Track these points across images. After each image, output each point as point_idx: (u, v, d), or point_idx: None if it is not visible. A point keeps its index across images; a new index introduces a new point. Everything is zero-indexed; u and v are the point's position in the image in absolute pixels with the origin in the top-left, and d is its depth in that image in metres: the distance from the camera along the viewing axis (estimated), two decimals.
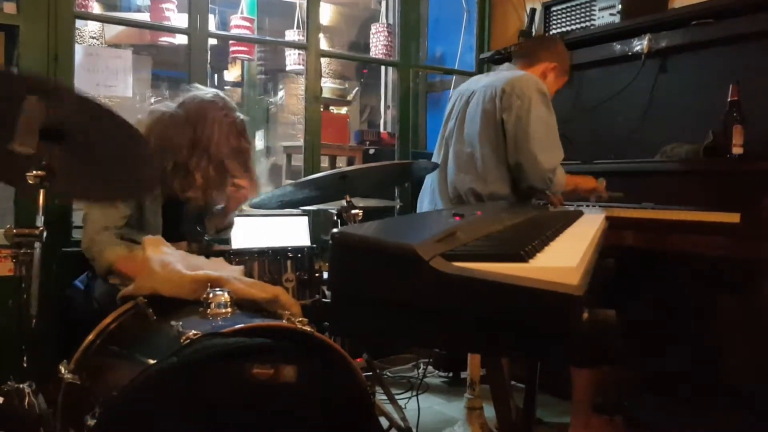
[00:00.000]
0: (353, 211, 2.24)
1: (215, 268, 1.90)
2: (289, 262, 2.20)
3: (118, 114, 1.64)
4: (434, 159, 2.63)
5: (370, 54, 4.19)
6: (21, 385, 1.60)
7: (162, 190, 2.19)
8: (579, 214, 1.95)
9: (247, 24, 4.45)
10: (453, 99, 2.64)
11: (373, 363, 2.43)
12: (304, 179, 2.26)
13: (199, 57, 2.97)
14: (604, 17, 2.95)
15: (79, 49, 2.85)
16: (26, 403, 1.58)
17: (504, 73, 2.51)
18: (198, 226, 2.39)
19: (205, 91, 2.27)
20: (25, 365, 1.65)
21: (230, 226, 2.47)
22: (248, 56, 5.13)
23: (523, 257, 0.87)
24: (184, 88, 2.31)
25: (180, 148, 2.13)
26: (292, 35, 4.81)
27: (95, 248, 2.10)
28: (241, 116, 2.27)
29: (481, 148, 2.38)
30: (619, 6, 2.87)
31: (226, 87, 6.22)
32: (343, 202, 2.26)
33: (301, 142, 3.49)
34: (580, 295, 0.74)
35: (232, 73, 6.19)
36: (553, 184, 2.31)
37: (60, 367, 1.71)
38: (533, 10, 3.43)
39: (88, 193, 2.03)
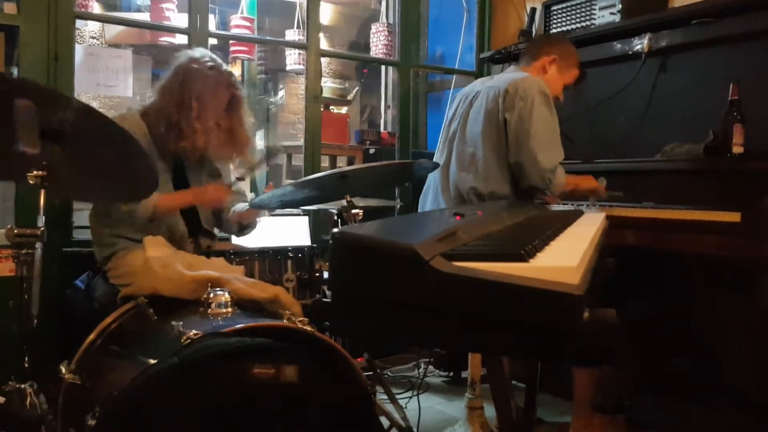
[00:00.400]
0: (353, 211, 2.24)
1: (216, 268, 1.91)
2: (289, 262, 2.20)
3: (108, 116, 1.66)
4: (436, 159, 2.63)
5: (371, 54, 4.18)
6: (22, 385, 1.60)
7: (164, 158, 2.22)
8: (579, 214, 1.95)
9: (247, 24, 4.44)
10: (456, 101, 2.65)
11: (373, 362, 2.43)
12: (304, 179, 2.26)
13: None
14: (605, 16, 2.94)
15: (79, 49, 2.85)
16: (27, 403, 1.59)
17: (508, 75, 2.54)
18: (215, 226, 2.39)
19: (191, 51, 2.32)
20: (26, 365, 1.65)
21: (254, 224, 2.47)
22: (248, 56, 5.12)
23: (524, 257, 0.87)
24: (175, 56, 2.33)
25: (169, 108, 2.16)
26: (292, 35, 4.80)
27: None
28: (229, 69, 2.30)
29: (483, 148, 2.39)
30: (620, 5, 2.87)
31: None
32: (344, 202, 2.26)
33: (301, 142, 3.49)
34: (581, 295, 0.74)
35: None
36: (552, 184, 2.31)
37: (61, 367, 1.71)
38: (533, 10, 3.43)
39: (88, 194, 2.04)
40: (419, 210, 2.77)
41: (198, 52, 2.29)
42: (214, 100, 2.20)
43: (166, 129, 2.16)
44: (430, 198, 2.65)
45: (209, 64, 2.22)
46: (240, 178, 2.47)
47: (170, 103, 2.18)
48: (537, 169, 2.30)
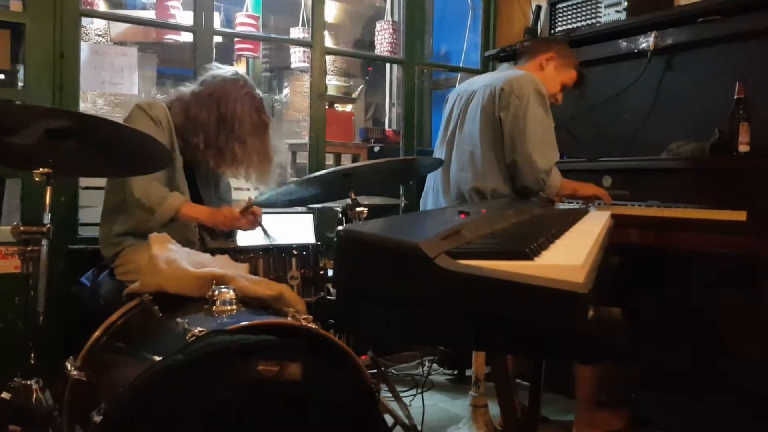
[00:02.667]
0: (358, 209, 2.24)
1: (220, 265, 1.91)
2: (293, 260, 2.20)
3: (109, 119, 1.68)
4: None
5: (375, 51, 4.18)
6: (28, 382, 1.61)
7: (181, 153, 2.26)
8: (584, 212, 1.95)
9: (252, 21, 4.44)
10: (452, 100, 2.65)
11: (377, 360, 2.43)
12: (308, 176, 2.27)
13: (204, 55, 2.97)
14: (610, 14, 2.94)
15: (84, 47, 2.85)
16: (33, 400, 1.59)
17: (503, 73, 2.53)
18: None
19: (225, 70, 2.36)
20: (32, 362, 1.66)
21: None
22: (253, 54, 5.12)
23: (529, 255, 0.86)
24: (204, 68, 2.40)
25: (207, 125, 2.22)
26: (297, 33, 4.80)
27: (153, 197, 2.10)
28: (260, 93, 2.36)
29: (480, 146, 2.39)
30: (625, 3, 2.86)
31: None
32: (348, 200, 2.26)
33: (305, 140, 3.49)
34: (586, 293, 0.74)
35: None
36: (546, 185, 2.31)
37: (66, 363, 1.71)
38: (539, 8, 3.42)
39: (99, 171, 2.08)
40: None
41: (231, 71, 2.34)
42: (251, 126, 2.27)
43: (204, 145, 2.23)
44: (431, 199, 2.65)
45: (245, 89, 2.29)
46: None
47: (206, 117, 2.23)
48: (532, 170, 2.30)
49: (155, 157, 1.89)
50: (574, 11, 3.11)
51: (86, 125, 1.67)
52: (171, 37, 4.40)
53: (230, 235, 2.39)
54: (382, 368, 2.46)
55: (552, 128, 2.37)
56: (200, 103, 2.25)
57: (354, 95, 5.36)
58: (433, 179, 2.65)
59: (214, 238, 2.37)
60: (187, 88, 2.32)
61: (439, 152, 2.63)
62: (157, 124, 2.16)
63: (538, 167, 2.29)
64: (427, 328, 0.84)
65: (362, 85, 5.88)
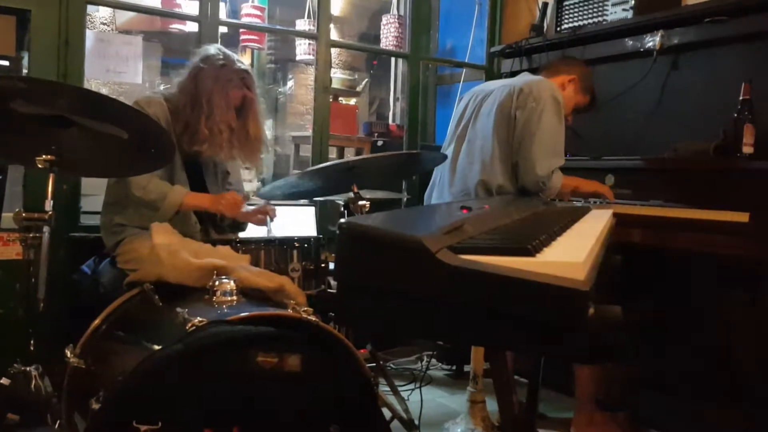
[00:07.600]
0: (360, 203, 2.24)
1: (222, 256, 1.91)
2: (295, 252, 2.20)
3: (112, 97, 1.67)
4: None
5: (381, 45, 4.17)
6: (28, 368, 1.62)
7: (180, 150, 2.22)
8: (586, 210, 1.95)
9: (258, 13, 4.44)
10: (466, 99, 2.65)
11: (376, 354, 2.43)
12: (311, 168, 2.26)
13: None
14: (617, 13, 2.93)
15: (90, 35, 2.84)
16: (32, 386, 1.60)
17: (525, 77, 2.56)
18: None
19: (208, 47, 2.29)
20: (31, 348, 1.66)
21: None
22: (258, 45, 5.12)
23: (530, 251, 0.86)
24: (194, 52, 2.34)
25: (185, 107, 2.17)
26: (302, 25, 4.80)
27: (153, 195, 2.08)
28: (244, 66, 2.28)
29: (492, 142, 2.40)
30: (632, 2, 2.85)
31: None
32: (351, 194, 2.26)
33: (309, 133, 3.49)
34: (586, 290, 0.73)
35: None
36: (546, 188, 2.34)
37: (66, 351, 1.72)
38: (545, 5, 3.41)
39: (102, 170, 2.06)
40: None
41: (213, 49, 2.27)
42: (223, 99, 2.18)
43: (182, 129, 2.17)
44: (435, 194, 2.65)
45: (221, 62, 2.21)
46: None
47: (185, 102, 2.18)
48: (532, 173, 2.33)
49: (156, 148, 1.88)
50: (581, 9, 3.10)
51: (91, 102, 1.66)
52: (176, 26, 4.41)
53: (238, 227, 2.37)
54: (381, 362, 2.47)
55: (562, 137, 2.38)
56: (182, 87, 2.21)
57: (358, 89, 5.36)
58: (439, 172, 2.65)
59: (220, 233, 2.36)
60: (179, 77, 2.28)
61: (447, 149, 2.63)
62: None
63: (538, 173, 2.32)
64: (426, 323, 0.84)
65: (367, 79, 5.87)
